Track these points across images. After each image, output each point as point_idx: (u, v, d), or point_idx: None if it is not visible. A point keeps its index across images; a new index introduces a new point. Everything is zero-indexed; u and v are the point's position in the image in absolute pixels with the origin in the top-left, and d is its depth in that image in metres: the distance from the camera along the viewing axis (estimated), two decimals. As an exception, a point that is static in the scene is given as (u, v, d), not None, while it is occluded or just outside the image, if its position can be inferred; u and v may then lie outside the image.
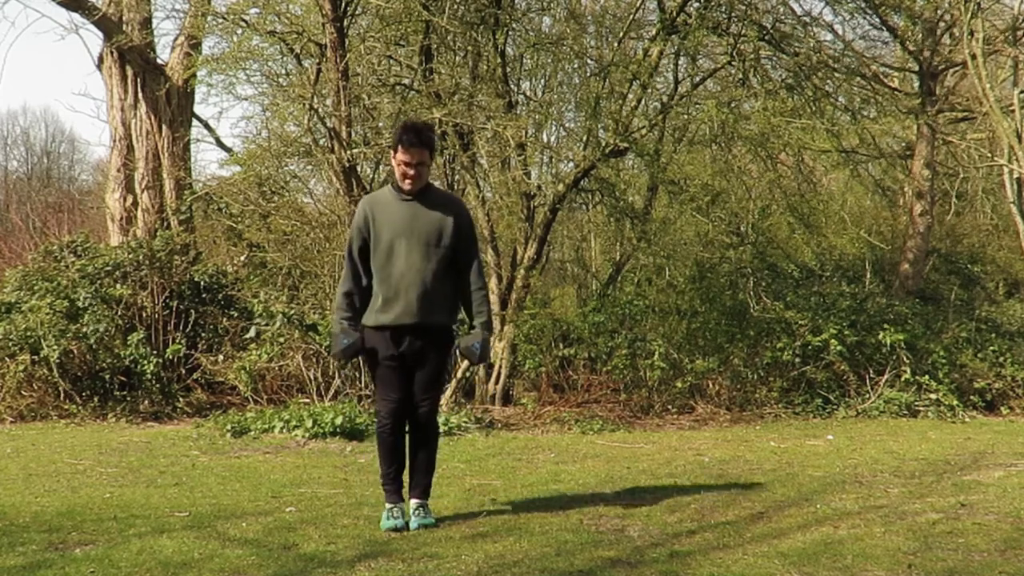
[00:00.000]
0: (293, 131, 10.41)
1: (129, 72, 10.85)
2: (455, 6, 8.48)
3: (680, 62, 9.23)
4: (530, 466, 6.10)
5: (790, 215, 11.35)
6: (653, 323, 9.49)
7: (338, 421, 7.19)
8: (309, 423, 7.20)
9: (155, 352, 8.76)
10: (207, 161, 48.04)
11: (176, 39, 11.19)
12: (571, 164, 9.85)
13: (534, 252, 8.83)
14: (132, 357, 8.64)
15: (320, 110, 8.90)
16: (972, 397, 8.98)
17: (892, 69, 12.69)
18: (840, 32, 11.04)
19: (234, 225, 11.20)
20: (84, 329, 8.52)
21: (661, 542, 4.10)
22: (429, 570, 3.68)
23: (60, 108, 48.24)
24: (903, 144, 13.03)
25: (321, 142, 9.34)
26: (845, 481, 5.57)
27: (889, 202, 14.42)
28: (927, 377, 8.90)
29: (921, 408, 8.75)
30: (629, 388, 8.92)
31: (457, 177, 9.80)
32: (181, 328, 9.08)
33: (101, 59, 11.05)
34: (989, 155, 11.82)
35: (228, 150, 13.42)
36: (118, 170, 10.98)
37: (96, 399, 8.52)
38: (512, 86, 9.72)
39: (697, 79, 9.63)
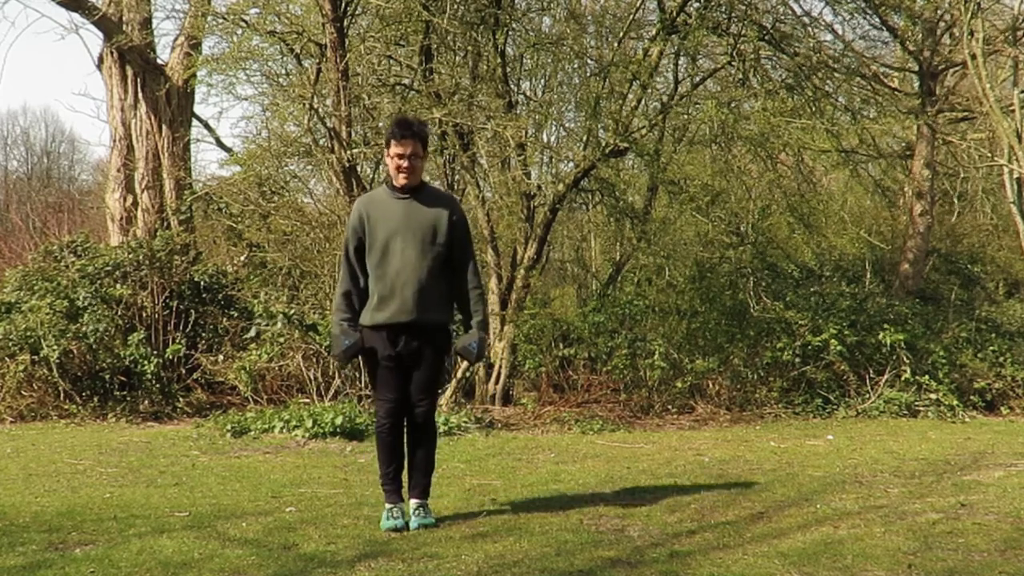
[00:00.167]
0: (293, 131, 10.41)
1: (129, 72, 10.85)
2: (455, 6, 8.47)
3: (680, 62, 9.23)
4: (530, 466, 6.10)
5: (790, 215, 11.34)
6: (653, 323, 9.49)
7: (338, 421, 7.19)
8: (309, 423, 7.21)
9: (155, 352, 8.76)
10: (207, 161, 48.05)
11: (176, 39, 11.19)
12: (571, 164, 9.85)
13: (534, 252, 8.83)
14: (132, 357, 8.64)
15: (320, 110, 8.90)
16: (972, 397, 8.98)
17: (892, 69, 12.69)
18: (840, 32, 11.05)
19: (234, 225, 11.20)
20: (84, 329, 8.52)
21: (661, 542, 4.10)
22: (429, 570, 3.68)
23: (60, 108, 48.27)
24: (903, 144, 13.03)
25: (321, 142, 9.34)
26: (845, 481, 5.57)
27: (889, 202, 14.42)
28: (927, 377, 8.90)
29: (921, 408, 8.75)
30: (629, 388, 8.92)
31: (457, 177, 9.80)
32: (181, 328, 9.08)
33: (101, 59, 11.05)
34: (989, 155, 11.82)
35: (228, 150, 13.43)
36: (118, 170, 10.98)
37: (96, 399, 8.52)
38: (512, 86, 9.72)
39: (697, 79, 9.64)
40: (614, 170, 9.53)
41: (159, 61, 11.04)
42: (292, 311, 8.66)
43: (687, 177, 10.48)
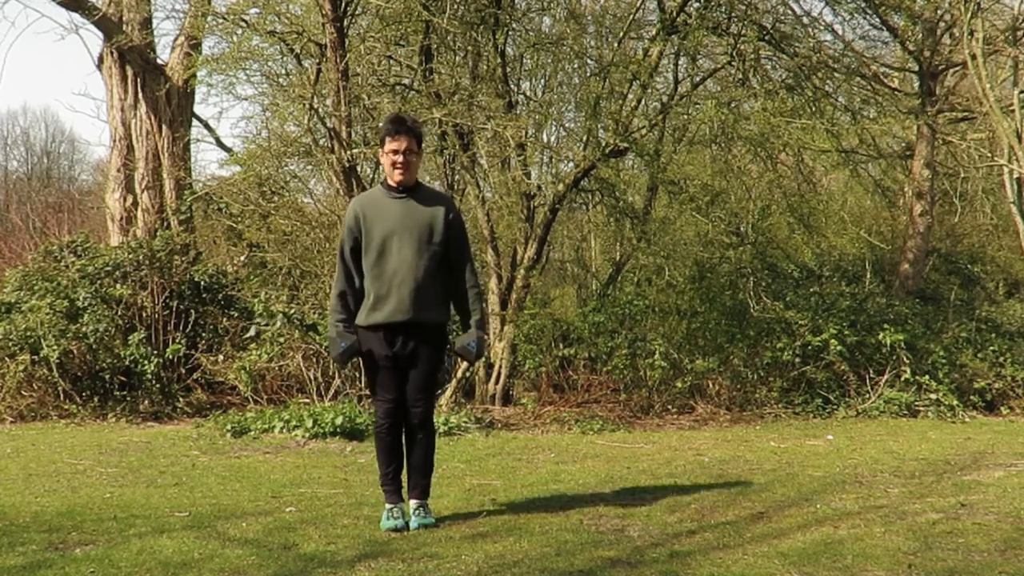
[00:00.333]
0: (293, 131, 10.41)
1: (129, 72, 10.86)
2: (455, 6, 8.47)
3: (680, 62, 9.23)
4: (530, 466, 6.10)
5: (790, 215, 11.34)
6: (653, 323, 9.49)
7: (338, 421, 7.19)
8: (309, 423, 7.21)
9: (155, 352, 8.76)
10: (207, 161, 48.03)
11: (176, 39, 11.20)
12: (571, 164, 9.85)
13: (534, 252, 8.83)
14: (132, 357, 8.64)
15: (320, 110, 8.90)
16: (972, 397, 8.98)
17: (892, 69, 12.68)
18: (840, 32, 11.05)
19: (234, 225, 11.20)
20: (84, 329, 8.52)
21: (661, 542, 4.10)
22: (429, 570, 3.68)
23: (60, 108, 48.27)
24: (903, 144, 13.03)
25: (321, 142, 9.34)
26: (845, 481, 5.57)
27: (889, 202, 14.41)
28: (927, 377, 8.90)
29: (921, 408, 8.75)
30: (629, 388, 8.92)
31: (457, 177, 9.80)
32: (181, 328, 9.08)
33: (101, 59, 11.05)
34: (989, 155, 11.82)
35: (228, 150, 13.44)
36: (118, 170, 10.98)
37: (96, 399, 8.52)
38: (512, 86, 9.72)
39: (697, 79, 9.64)
40: (614, 170, 9.53)
41: (159, 61, 11.04)
42: (292, 311, 8.66)
43: (687, 177, 10.48)
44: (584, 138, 9.34)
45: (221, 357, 8.93)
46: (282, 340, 8.55)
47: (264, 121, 11.85)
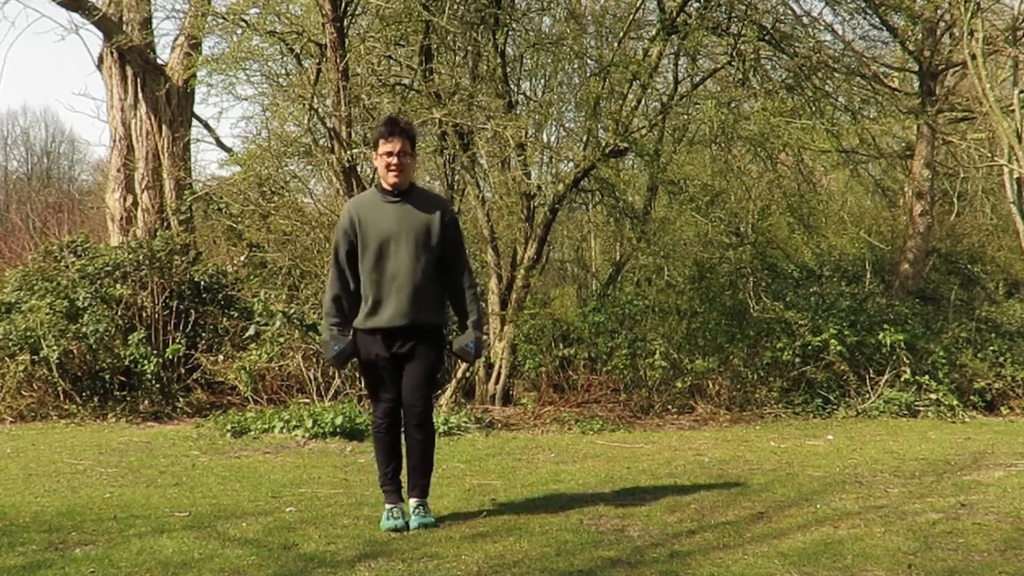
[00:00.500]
0: (293, 131, 10.41)
1: (129, 72, 10.86)
2: (455, 6, 8.48)
3: (680, 62, 9.23)
4: (530, 466, 6.10)
5: (790, 215, 11.34)
6: (653, 323, 9.49)
7: (338, 421, 7.19)
8: (309, 423, 7.21)
9: (155, 352, 8.76)
10: (207, 161, 48.06)
11: (176, 39, 11.20)
12: (571, 164, 9.85)
13: (534, 252, 8.83)
14: (132, 357, 8.64)
15: (320, 110, 8.89)
16: (972, 397, 8.98)
17: (892, 69, 12.68)
18: (840, 32, 11.04)
19: (234, 225, 11.20)
20: (84, 329, 8.52)
21: (661, 542, 4.10)
22: (429, 570, 3.68)
23: (60, 108, 48.29)
24: (903, 144, 13.03)
25: (321, 142, 9.34)
26: (845, 481, 5.57)
27: (889, 202, 14.42)
28: (927, 377, 8.90)
29: (921, 408, 8.75)
30: (629, 388, 8.92)
31: (457, 177, 9.80)
32: (181, 328, 9.08)
33: (101, 59, 11.05)
34: (989, 155, 11.82)
35: (228, 150, 13.43)
36: (118, 170, 10.98)
37: (96, 399, 8.52)
38: (512, 86, 9.72)
39: (697, 79, 9.63)
40: (614, 170, 9.52)
41: (159, 61, 11.04)
42: (292, 311, 8.66)
43: (687, 177, 10.48)
44: (584, 138, 9.34)
45: (221, 357, 8.94)
46: (282, 340, 8.55)
47: (264, 121, 11.86)
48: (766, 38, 8.86)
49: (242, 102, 27.15)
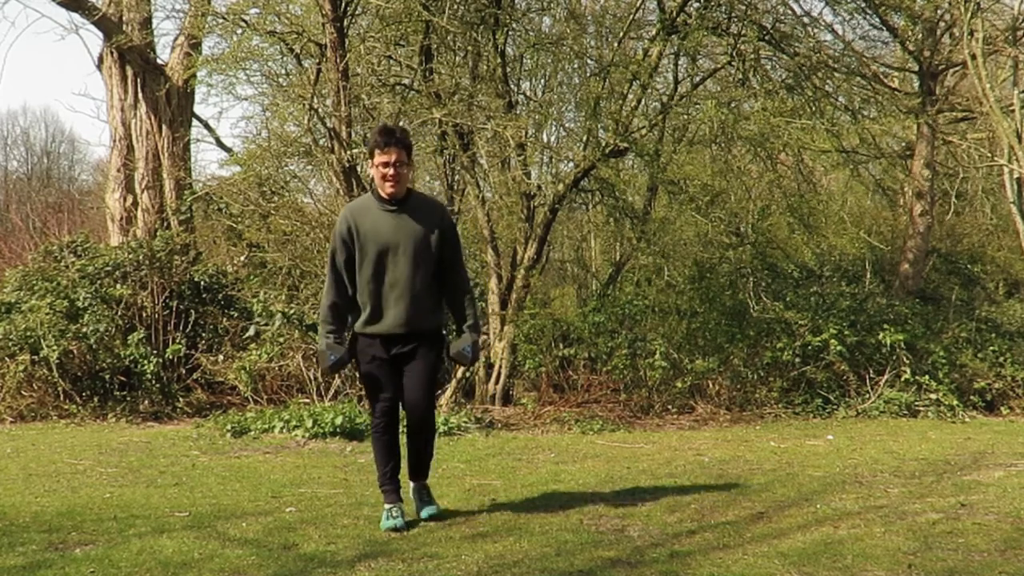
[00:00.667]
0: (293, 131, 10.41)
1: (129, 72, 10.85)
2: (455, 6, 8.47)
3: (680, 62, 9.22)
4: (530, 466, 6.10)
5: (790, 215, 11.34)
6: (653, 323, 9.49)
7: (338, 421, 7.20)
8: (309, 423, 7.21)
9: (155, 352, 8.76)
10: (207, 161, 48.06)
11: (176, 39, 11.19)
12: (571, 164, 9.85)
13: (534, 252, 8.83)
14: (132, 357, 8.64)
15: (320, 110, 8.89)
16: (972, 397, 8.97)
17: (892, 69, 12.68)
18: (840, 32, 11.03)
19: (234, 225, 11.20)
20: (84, 329, 8.52)
21: (661, 542, 4.11)
22: (429, 570, 3.68)
23: (60, 108, 48.30)
24: (903, 144, 13.03)
25: (321, 142, 9.34)
26: (845, 481, 5.57)
27: (889, 202, 14.42)
28: (927, 377, 8.90)
29: (921, 408, 8.75)
30: (629, 388, 8.91)
31: (457, 177, 9.80)
32: (181, 328, 9.08)
33: (101, 59, 11.05)
34: (989, 155, 11.82)
35: (228, 150, 13.43)
36: (118, 170, 10.98)
37: (96, 399, 8.52)
38: (512, 86, 9.71)
39: (697, 79, 9.63)
40: (614, 170, 9.52)
41: (159, 61, 11.04)
42: (292, 311, 8.66)
43: (687, 177, 10.47)
44: (584, 138, 9.34)
45: (221, 357, 8.93)
46: (282, 340, 8.55)
47: (264, 121, 11.86)
48: (766, 38, 8.86)
49: (242, 102, 27.19)
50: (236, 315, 9.24)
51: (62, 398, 8.51)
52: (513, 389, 8.82)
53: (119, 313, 8.84)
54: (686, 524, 4.45)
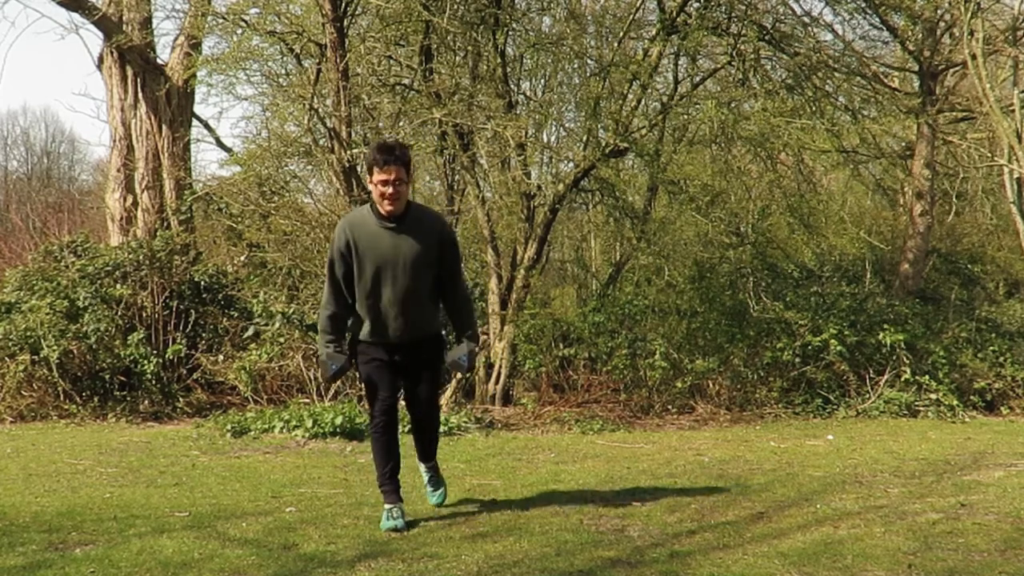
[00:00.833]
0: (293, 131, 10.40)
1: (129, 72, 10.85)
2: (455, 6, 8.47)
3: (680, 62, 9.22)
4: (530, 466, 6.10)
5: (790, 215, 11.33)
6: (653, 323, 9.48)
7: (338, 421, 7.20)
8: (309, 423, 7.21)
9: (155, 352, 8.76)
10: (207, 161, 48.09)
11: (176, 39, 11.19)
12: (571, 164, 9.85)
13: (534, 252, 8.83)
14: (132, 357, 8.64)
15: (320, 110, 8.89)
16: (972, 397, 8.98)
17: (892, 69, 12.68)
18: (840, 32, 11.04)
19: (234, 225, 11.20)
20: (84, 329, 8.52)
21: (661, 542, 4.11)
22: (429, 570, 3.68)
23: (60, 108, 48.28)
24: (903, 144, 13.03)
25: (321, 142, 9.34)
26: (845, 481, 5.57)
27: (889, 202, 14.42)
28: (927, 377, 8.90)
29: (921, 408, 8.75)
30: (629, 388, 8.91)
31: (457, 177, 9.80)
32: (181, 328, 9.08)
33: (101, 59, 11.05)
34: (989, 155, 11.82)
35: (228, 150, 13.42)
36: (118, 170, 10.98)
37: (96, 399, 8.52)
38: (512, 86, 9.71)
39: (697, 79, 9.63)
40: (614, 170, 9.52)
41: (159, 61, 11.04)
42: (292, 311, 8.66)
43: (687, 177, 10.47)
44: (584, 138, 9.34)
45: (221, 357, 8.93)
46: (282, 340, 8.55)
47: (264, 121, 11.85)
48: (766, 38, 8.86)
49: (242, 102, 27.19)
50: (236, 315, 9.24)
51: (62, 398, 8.51)
52: (513, 389, 8.82)
53: (119, 313, 8.84)
54: (686, 524, 4.45)
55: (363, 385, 4.66)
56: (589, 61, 11.30)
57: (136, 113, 10.88)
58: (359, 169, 8.80)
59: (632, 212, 10.29)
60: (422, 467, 4.78)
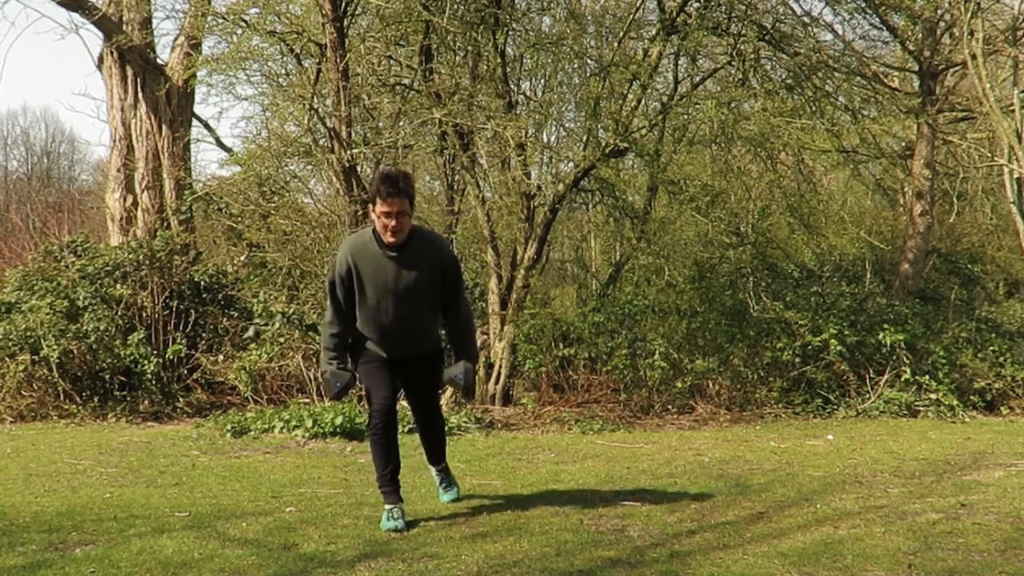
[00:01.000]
0: (293, 131, 10.41)
1: (129, 72, 10.86)
2: (455, 6, 8.47)
3: (680, 62, 9.22)
4: (530, 466, 6.10)
5: (790, 215, 11.33)
6: (653, 323, 9.48)
7: (338, 421, 7.20)
8: (309, 423, 7.21)
9: (155, 352, 8.76)
10: (207, 161, 48.08)
11: (176, 39, 11.19)
12: (571, 164, 9.85)
13: (534, 252, 8.83)
14: (132, 357, 8.64)
15: (320, 110, 8.90)
16: (972, 397, 8.97)
17: (892, 69, 12.68)
18: (840, 32, 11.04)
19: (234, 225, 11.20)
20: (84, 329, 8.52)
21: (661, 542, 4.11)
22: (429, 570, 3.68)
23: (60, 108, 48.28)
24: (903, 144, 13.03)
25: (321, 142, 9.34)
26: (845, 481, 5.57)
27: (889, 202, 14.41)
28: (927, 377, 8.90)
29: (921, 408, 8.75)
30: (629, 388, 8.91)
31: (457, 177, 9.80)
32: (181, 328, 9.08)
33: (101, 59, 11.05)
34: (989, 155, 11.82)
35: (228, 150, 13.43)
36: (118, 170, 10.98)
37: (96, 399, 8.52)
38: (512, 86, 9.71)
39: (697, 79, 9.63)
40: (614, 170, 9.52)
41: (159, 61, 11.04)
42: (292, 311, 8.66)
43: (687, 177, 10.47)
44: (584, 138, 9.34)
45: (221, 357, 8.93)
46: (282, 340, 8.55)
47: (264, 121, 11.86)
48: (766, 38, 8.86)
49: (242, 102, 27.20)
50: (236, 315, 9.24)
51: (62, 398, 8.51)
52: (513, 389, 8.82)
53: (119, 313, 8.84)
54: (686, 524, 4.45)
55: (362, 385, 4.67)
56: (589, 61, 11.30)
57: (136, 113, 10.88)
58: (359, 169, 8.81)
59: (632, 212, 10.29)
60: (432, 470, 4.82)
